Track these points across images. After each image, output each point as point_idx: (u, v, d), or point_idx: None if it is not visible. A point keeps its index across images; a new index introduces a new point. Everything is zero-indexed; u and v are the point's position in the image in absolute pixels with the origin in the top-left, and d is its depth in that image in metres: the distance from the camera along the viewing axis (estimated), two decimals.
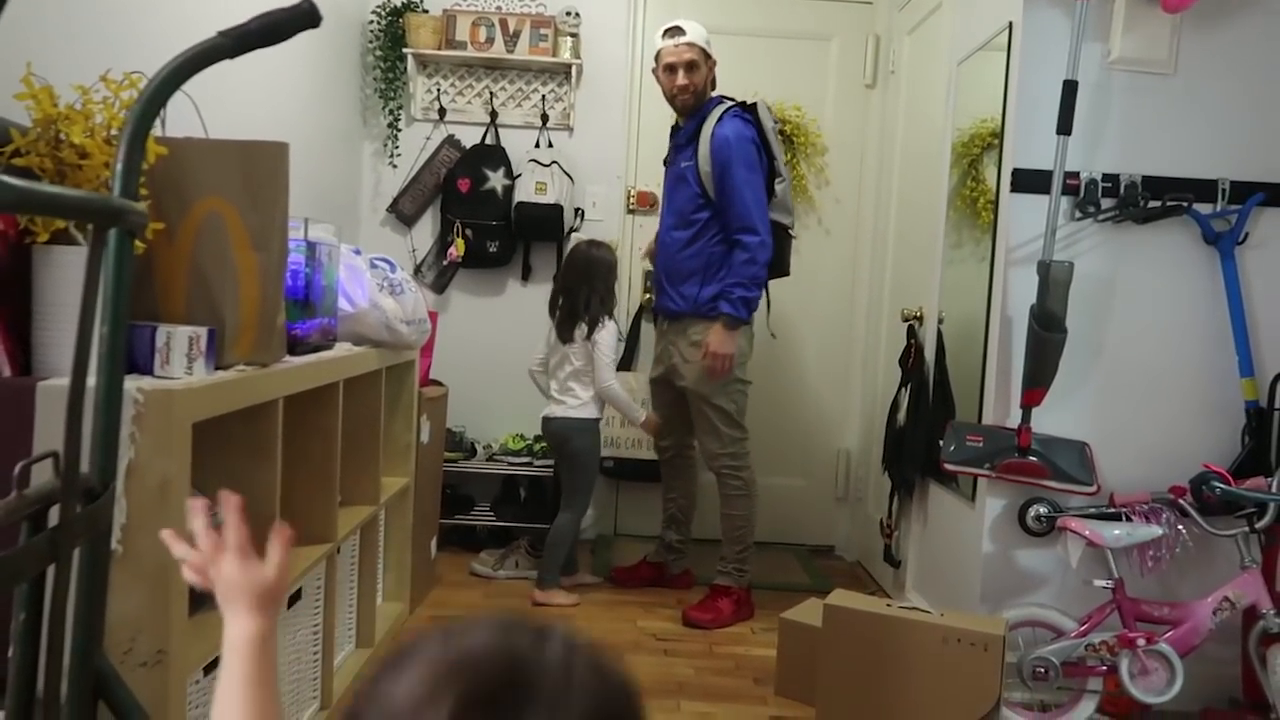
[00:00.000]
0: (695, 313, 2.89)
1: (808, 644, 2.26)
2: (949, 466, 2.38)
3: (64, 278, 1.25)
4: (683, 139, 2.96)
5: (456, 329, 3.65)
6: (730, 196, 2.80)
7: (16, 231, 1.32)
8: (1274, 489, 2.20)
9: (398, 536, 2.63)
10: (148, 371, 1.34)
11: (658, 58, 2.95)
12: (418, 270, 3.70)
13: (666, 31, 2.91)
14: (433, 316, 2.90)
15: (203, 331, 1.37)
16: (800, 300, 3.76)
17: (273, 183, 1.48)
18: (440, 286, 3.73)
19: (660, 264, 3.03)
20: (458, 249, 3.57)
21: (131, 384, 1.21)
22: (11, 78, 1.32)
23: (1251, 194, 2.37)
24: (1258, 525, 2.21)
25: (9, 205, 0.69)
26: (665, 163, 3.10)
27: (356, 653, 2.31)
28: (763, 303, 2.96)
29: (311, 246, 1.86)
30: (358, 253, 2.27)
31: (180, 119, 1.60)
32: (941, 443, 2.44)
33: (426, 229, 3.73)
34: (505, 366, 3.57)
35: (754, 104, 2.92)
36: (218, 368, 1.45)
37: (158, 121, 1.34)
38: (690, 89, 2.88)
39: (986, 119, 2.85)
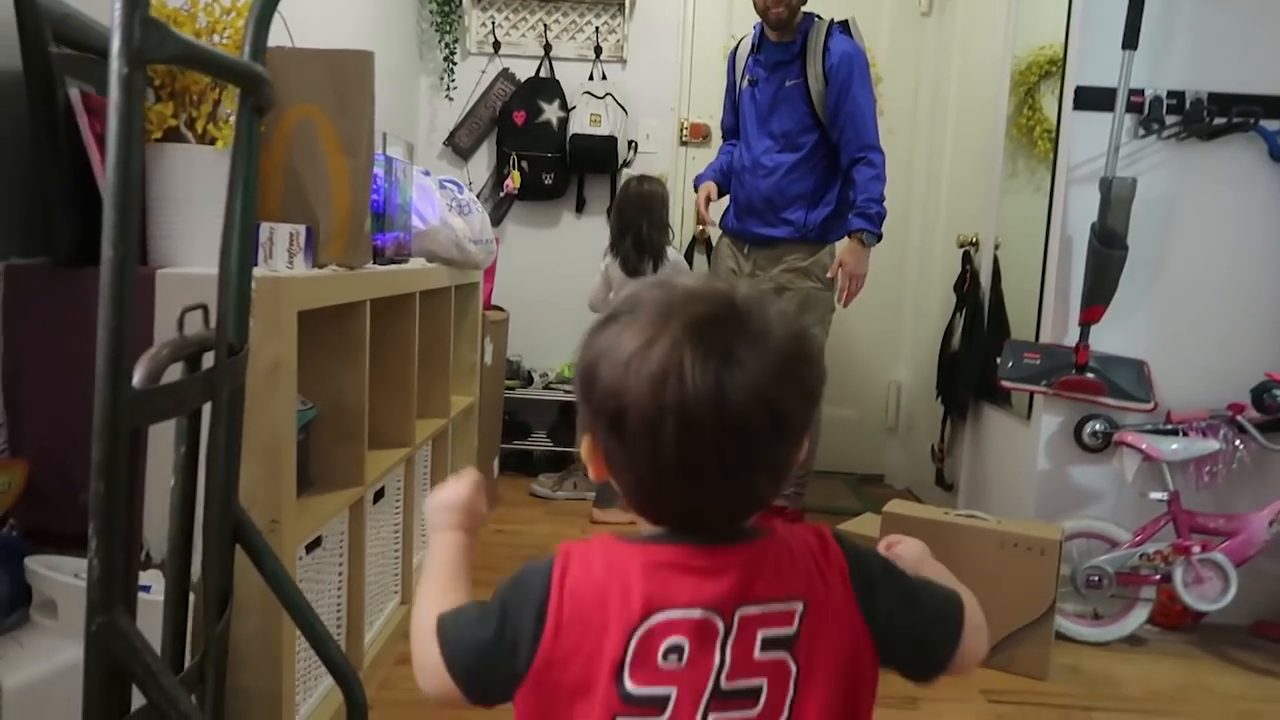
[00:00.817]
0: (801, 238, 2.78)
1: None
2: (1006, 383, 2.42)
3: (175, 172, 1.33)
4: (782, 56, 2.76)
5: (512, 260, 3.71)
6: (853, 114, 2.70)
7: None
8: None
9: (464, 452, 2.73)
10: (253, 265, 1.42)
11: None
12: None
13: None
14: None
15: (301, 229, 1.44)
16: None
17: (360, 91, 1.54)
18: (496, 219, 3.78)
19: (750, 190, 2.84)
20: (514, 181, 3.63)
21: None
22: None
23: None
24: None
25: (177, 58, 0.76)
26: (751, 83, 2.85)
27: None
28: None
29: (389, 161, 1.93)
30: (426, 174, 2.33)
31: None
32: (998, 361, 2.46)
33: (482, 162, 3.78)
34: (561, 296, 3.65)
35: (847, 21, 2.83)
36: (314, 266, 1.52)
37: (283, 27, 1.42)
38: (786, 1, 2.67)
39: (1045, 46, 2.83)
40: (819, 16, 2.81)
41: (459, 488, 0.84)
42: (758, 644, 0.65)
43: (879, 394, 3.90)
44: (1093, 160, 2.41)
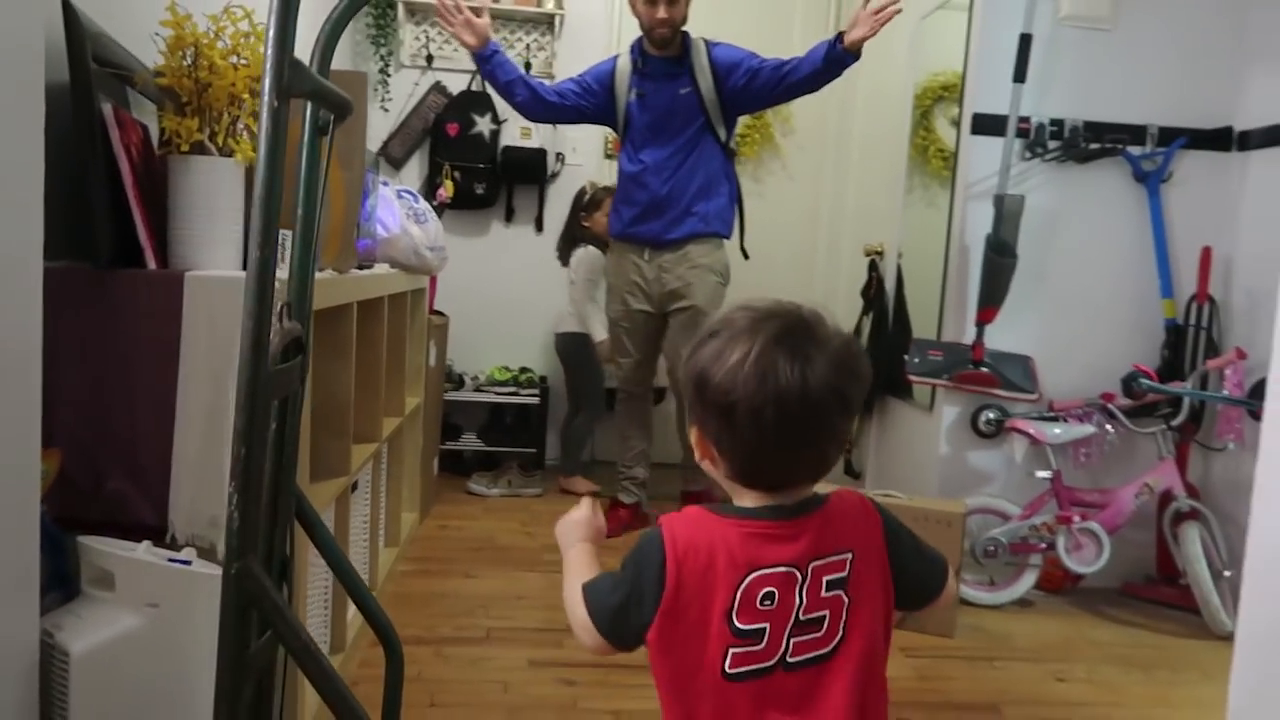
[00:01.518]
0: (703, 233, 2.96)
1: None
2: (913, 377, 2.71)
3: (200, 183, 1.45)
4: (671, 68, 2.93)
5: (446, 269, 3.84)
6: (757, 59, 2.92)
7: (143, 144, 1.51)
8: (1188, 389, 2.58)
9: (412, 451, 2.85)
10: None
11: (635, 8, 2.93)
12: None
13: None
14: None
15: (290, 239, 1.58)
16: (765, 241, 4.01)
17: (356, 108, 1.68)
18: None
19: (652, 193, 2.94)
20: (447, 190, 3.76)
21: None
22: (124, 19, 1.51)
23: (1175, 138, 2.71)
24: (1173, 423, 2.59)
25: (306, 93, 0.91)
26: (639, 96, 2.95)
27: (385, 551, 2.54)
28: (737, 223, 3.13)
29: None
30: (385, 184, 2.46)
31: None
32: (905, 358, 2.75)
33: (414, 171, 3.90)
34: (491, 302, 3.81)
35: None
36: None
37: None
38: (670, 23, 2.83)
39: (939, 73, 3.15)
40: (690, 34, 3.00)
41: (584, 511, 1.09)
42: (823, 586, 0.89)
43: None
44: (987, 179, 2.72)
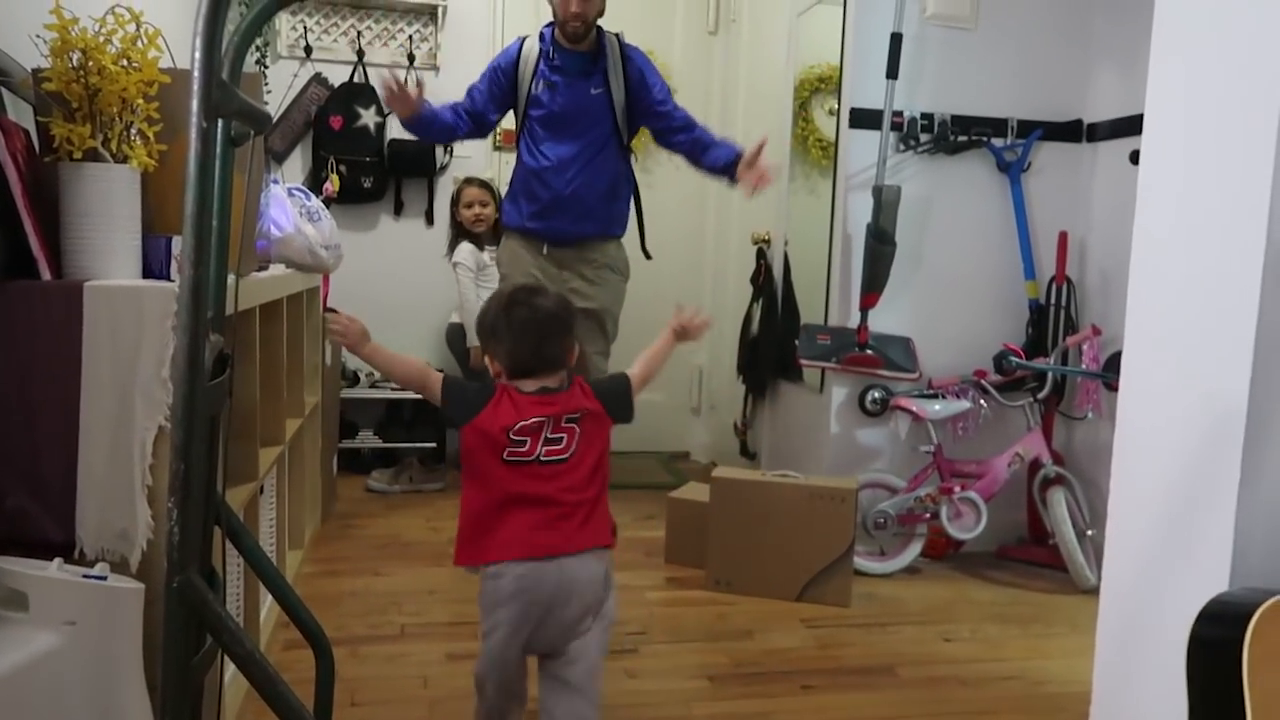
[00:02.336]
0: (606, 233, 2.96)
1: (693, 516, 2.67)
2: (804, 361, 2.84)
3: (94, 190, 1.41)
4: (584, 65, 2.87)
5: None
6: (670, 104, 2.94)
7: (28, 151, 1.46)
8: (1051, 364, 2.80)
9: (312, 451, 2.82)
10: (163, 277, 1.52)
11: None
12: None
13: None
14: None
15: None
16: (655, 230, 4.11)
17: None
18: None
19: (556, 190, 2.87)
20: (333, 185, 3.69)
21: (167, 286, 1.41)
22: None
23: (1033, 130, 2.91)
24: (1039, 396, 2.80)
25: (234, 112, 0.92)
26: (548, 86, 2.88)
27: (290, 554, 2.51)
28: (633, 223, 3.16)
29: None
30: (276, 182, 2.42)
31: None
32: (796, 344, 2.88)
33: (297, 166, 3.81)
34: (383, 297, 3.76)
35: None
36: None
37: (167, 52, 1.52)
38: (583, 17, 2.78)
39: (815, 66, 3.29)
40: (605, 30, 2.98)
41: (340, 322, 1.59)
42: (563, 421, 1.53)
43: (683, 378, 4.29)
44: (865, 170, 2.86)
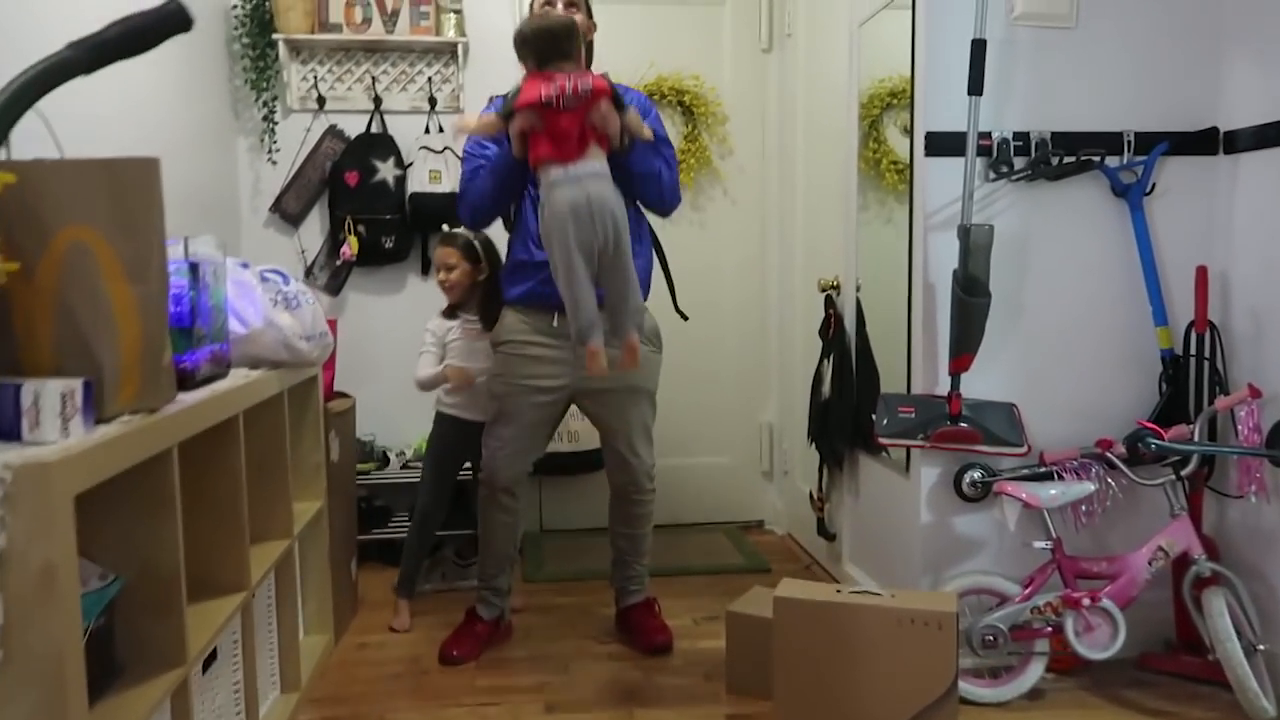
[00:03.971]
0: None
1: (757, 637, 2.21)
2: (884, 440, 2.35)
3: None
4: None
5: (356, 332, 3.45)
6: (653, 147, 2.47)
7: None
8: (1196, 437, 2.25)
9: (315, 564, 2.46)
10: (15, 437, 1.16)
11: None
12: (309, 272, 3.48)
13: None
14: (331, 325, 2.71)
15: (77, 384, 1.19)
16: (709, 273, 3.69)
17: (145, 203, 1.30)
18: (335, 288, 3.51)
19: None
20: (351, 247, 3.37)
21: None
22: None
23: (1155, 144, 2.38)
24: (1183, 473, 2.26)
25: None
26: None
27: (283, 698, 2.14)
28: (660, 283, 2.67)
29: (194, 267, 1.67)
30: (245, 266, 2.07)
31: (29, 136, 1.40)
32: (874, 416, 2.40)
33: (315, 227, 3.50)
34: (411, 365, 3.38)
35: None
36: (99, 421, 1.27)
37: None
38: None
39: (884, 79, 2.83)
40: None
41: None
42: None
43: (751, 437, 3.82)
44: (948, 206, 2.38)
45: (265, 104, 3.34)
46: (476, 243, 2.76)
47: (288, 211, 3.44)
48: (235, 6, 3.26)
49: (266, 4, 3.27)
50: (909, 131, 2.55)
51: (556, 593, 3.06)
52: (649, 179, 2.41)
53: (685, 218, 3.70)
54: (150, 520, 1.42)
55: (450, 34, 3.37)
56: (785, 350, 3.68)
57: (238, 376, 1.85)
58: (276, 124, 3.38)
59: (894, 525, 2.60)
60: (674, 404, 3.56)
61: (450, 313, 2.82)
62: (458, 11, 3.38)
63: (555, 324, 2.44)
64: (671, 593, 2.94)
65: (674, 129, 3.66)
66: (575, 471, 3.55)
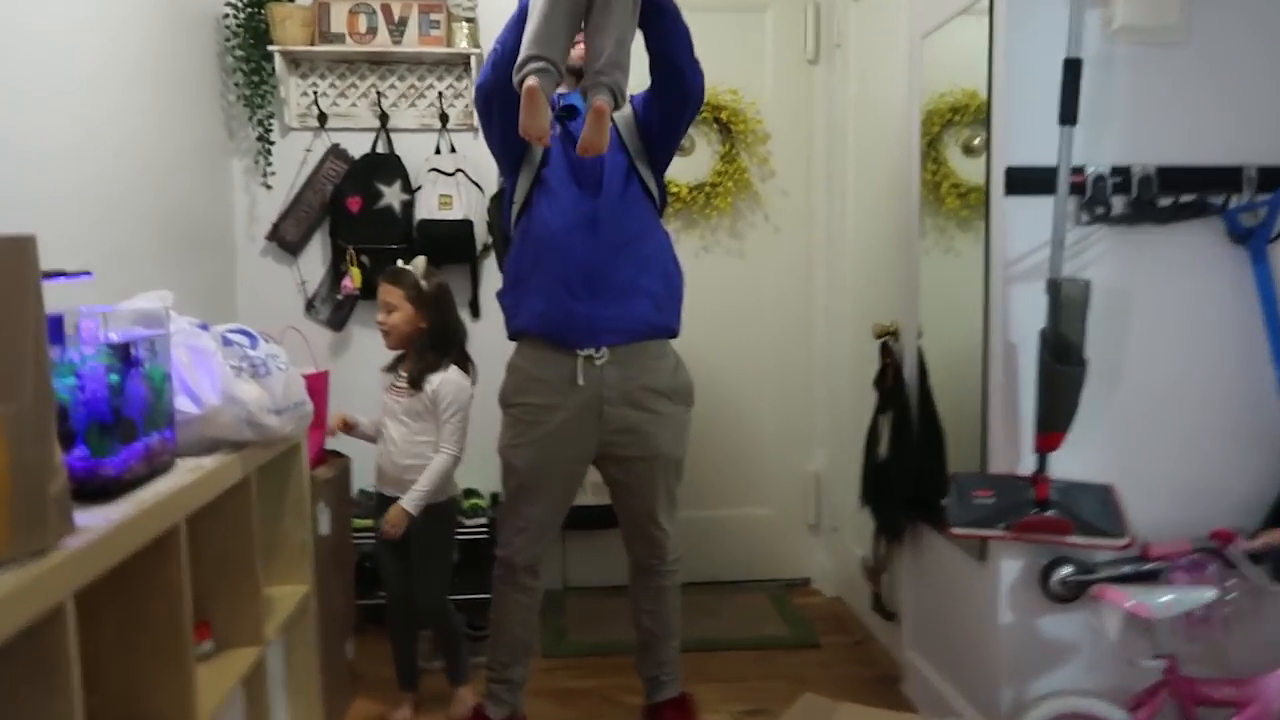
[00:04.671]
0: (657, 320, 2.16)
1: None
2: (957, 531, 1.99)
3: None
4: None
5: (360, 371, 3.12)
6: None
7: None
8: None
9: (300, 656, 2.15)
10: None
11: None
12: (310, 305, 3.18)
13: None
14: (320, 378, 2.41)
15: None
16: (749, 307, 3.35)
17: (14, 298, 0.99)
18: (338, 323, 3.21)
19: (584, 256, 2.09)
20: (353, 279, 3.06)
21: None
22: None
23: None
24: None
25: None
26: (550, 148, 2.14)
27: None
28: (690, 332, 2.34)
29: (120, 348, 1.36)
30: (205, 328, 1.76)
31: None
32: (944, 504, 2.04)
33: (316, 256, 3.20)
34: None
35: None
36: None
37: None
38: None
39: (945, 93, 2.48)
40: None
41: None
42: None
43: (795, 487, 3.47)
44: (1033, 253, 2.02)
45: (261, 122, 3.04)
46: (426, 285, 2.38)
47: (286, 239, 3.15)
48: (227, 16, 2.96)
49: (261, 14, 2.97)
50: (972, 151, 2.20)
51: (578, 673, 2.73)
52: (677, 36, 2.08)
53: (722, 245, 3.37)
54: (40, 695, 1.11)
55: (463, 45, 3.06)
56: (834, 394, 3.32)
57: (185, 469, 1.54)
58: (273, 143, 3.09)
59: (967, 619, 2.24)
60: (710, 449, 3.24)
61: (391, 366, 2.46)
62: (471, 20, 3.06)
63: (580, 377, 2.10)
64: (707, 674, 2.62)
65: (709, 149, 3.32)
66: (603, 526, 3.21)
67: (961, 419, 2.30)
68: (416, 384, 2.34)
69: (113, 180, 2.28)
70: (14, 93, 1.89)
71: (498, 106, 2.08)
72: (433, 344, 2.36)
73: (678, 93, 2.14)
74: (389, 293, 2.38)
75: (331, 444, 2.53)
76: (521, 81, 1.81)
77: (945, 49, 2.45)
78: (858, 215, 3.13)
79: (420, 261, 2.42)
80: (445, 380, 2.35)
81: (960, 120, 2.46)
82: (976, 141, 2.36)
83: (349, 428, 2.48)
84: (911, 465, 2.50)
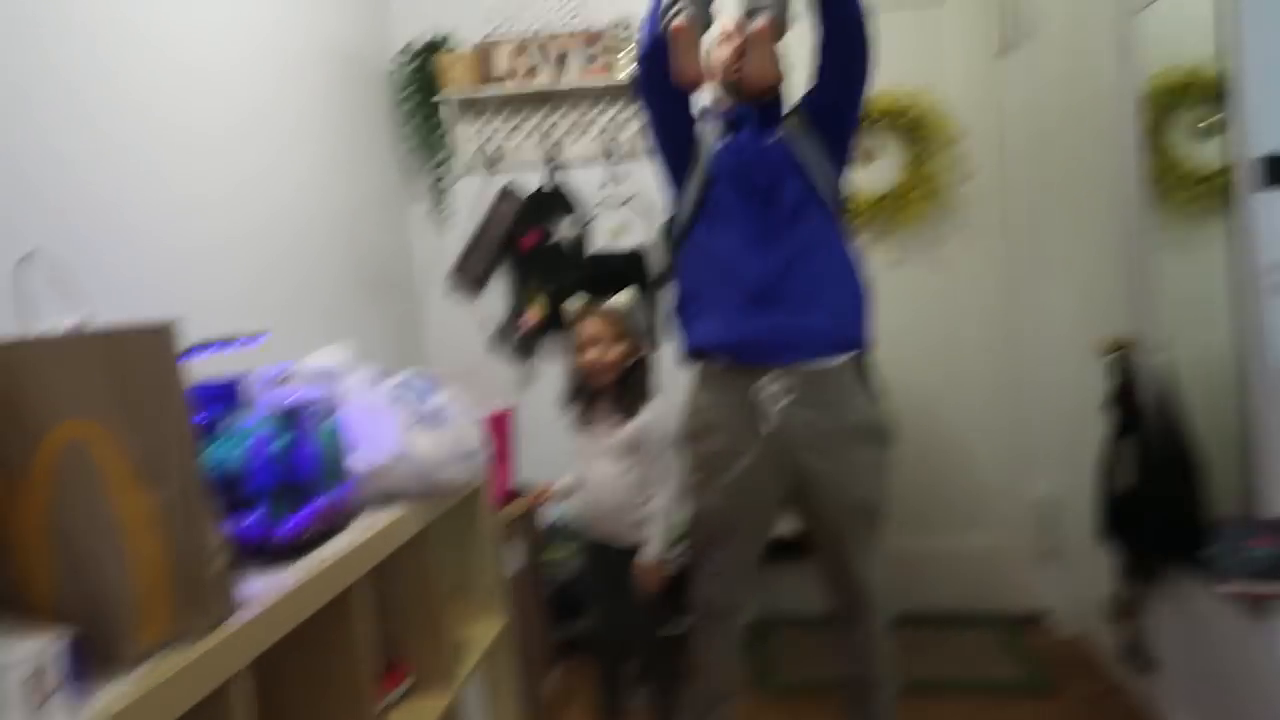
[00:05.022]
0: (840, 338, 1.96)
1: None
2: (1227, 588, 1.68)
3: None
4: (758, 120, 2.04)
5: (548, 405, 3.10)
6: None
7: None
8: None
9: (498, 691, 2.09)
10: None
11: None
12: (492, 343, 3.20)
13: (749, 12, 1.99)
14: (502, 419, 2.37)
15: (53, 652, 0.84)
16: (948, 321, 3.09)
17: (161, 383, 0.95)
18: (520, 359, 3.21)
19: (745, 285, 1.95)
20: (534, 315, 3.05)
21: None
22: None
23: None
24: None
25: None
26: (716, 159, 2.03)
27: None
28: (887, 349, 2.13)
29: (292, 412, 1.34)
30: (382, 378, 1.75)
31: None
32: (1213, 556, 1.73)
33: (495, 294, 3.21)
34: None
35: None
36: (119, 670, 0.92)
37: None
38: (741, 67, 1.98)
39: (1161, 72, 2.17)
40: None
41: None
42: None
43: (1017, 514, 3.14)
44: None
45: (436, 167, 3.09)
46: (634, 319, 2.26)
47: (466, 280, 3.18)
48: (392, 72, 3.04)
49: (428, 64, 3.03)
50: (1208, 129, 1.88)
51: (788, 714, 2.54)
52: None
53: (916, 256, 3.13)
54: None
55: (624, 75, 2.99)
56: (1053, 414, 2.98)
57: (361, 526, 1.51)
58: (448, 188, 3.13)
59: (1250, 687, 1.89)
60: (917, 473, 3.00)
61: (583, 404, 2.31)
62: (630, 45, 3.00)
63: (763, 422, 1.93)
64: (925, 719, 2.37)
65: (894, 156, 3.10)
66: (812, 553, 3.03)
67: (1208, 448, 1.97)
68: (631, 414, 2.22)
69: (309, 235, 2.38)
70: (222, 168, 1.98)
71: (656, 89, 1.97)
72: (642, 377, 2.26)
73: (842, 29, 1.92)
74: (598, 327, 2.24)
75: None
76: (668, 25, 1.72)
77: (1163, 27, 2.14)
78: (1063, 216, 2.81)
79: (626, 295, 2.35)
80: (655, 411, 2.25)
81: (1185, 103, 2.15)
82: (1201, 125, 2.06)
83: (552, 497, 2.41)
84: (1162, 499, 2.15)
